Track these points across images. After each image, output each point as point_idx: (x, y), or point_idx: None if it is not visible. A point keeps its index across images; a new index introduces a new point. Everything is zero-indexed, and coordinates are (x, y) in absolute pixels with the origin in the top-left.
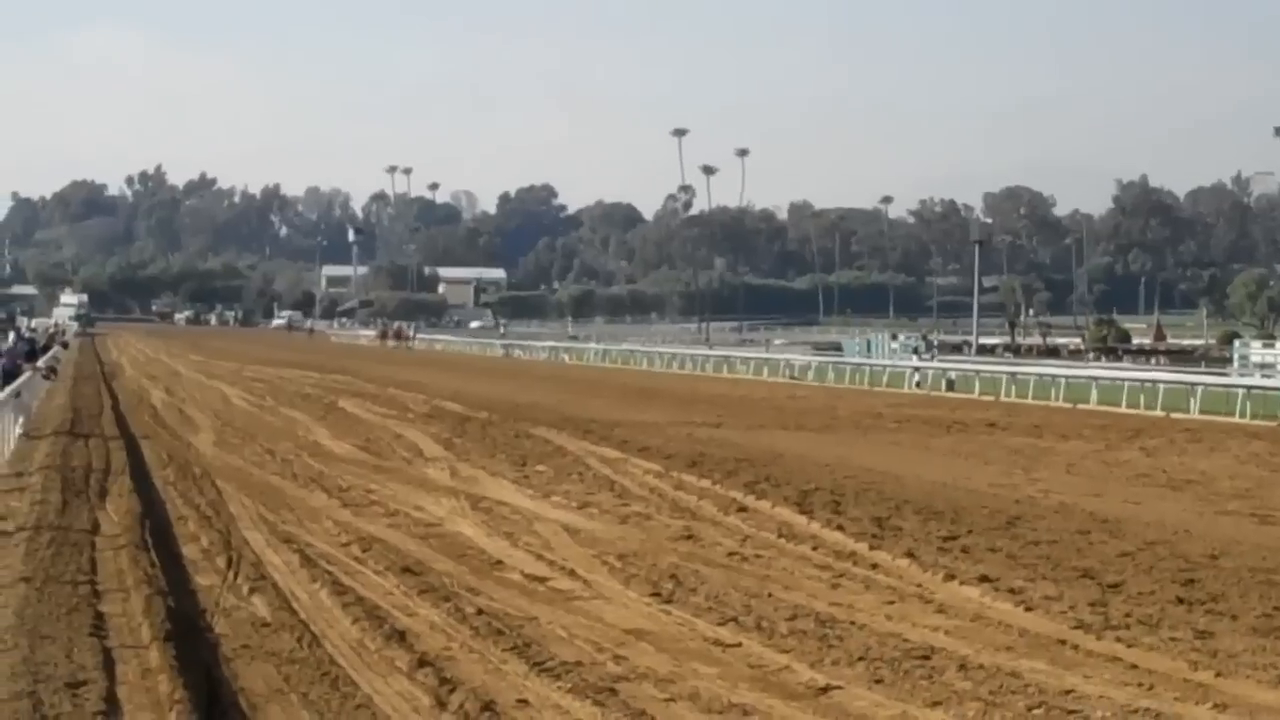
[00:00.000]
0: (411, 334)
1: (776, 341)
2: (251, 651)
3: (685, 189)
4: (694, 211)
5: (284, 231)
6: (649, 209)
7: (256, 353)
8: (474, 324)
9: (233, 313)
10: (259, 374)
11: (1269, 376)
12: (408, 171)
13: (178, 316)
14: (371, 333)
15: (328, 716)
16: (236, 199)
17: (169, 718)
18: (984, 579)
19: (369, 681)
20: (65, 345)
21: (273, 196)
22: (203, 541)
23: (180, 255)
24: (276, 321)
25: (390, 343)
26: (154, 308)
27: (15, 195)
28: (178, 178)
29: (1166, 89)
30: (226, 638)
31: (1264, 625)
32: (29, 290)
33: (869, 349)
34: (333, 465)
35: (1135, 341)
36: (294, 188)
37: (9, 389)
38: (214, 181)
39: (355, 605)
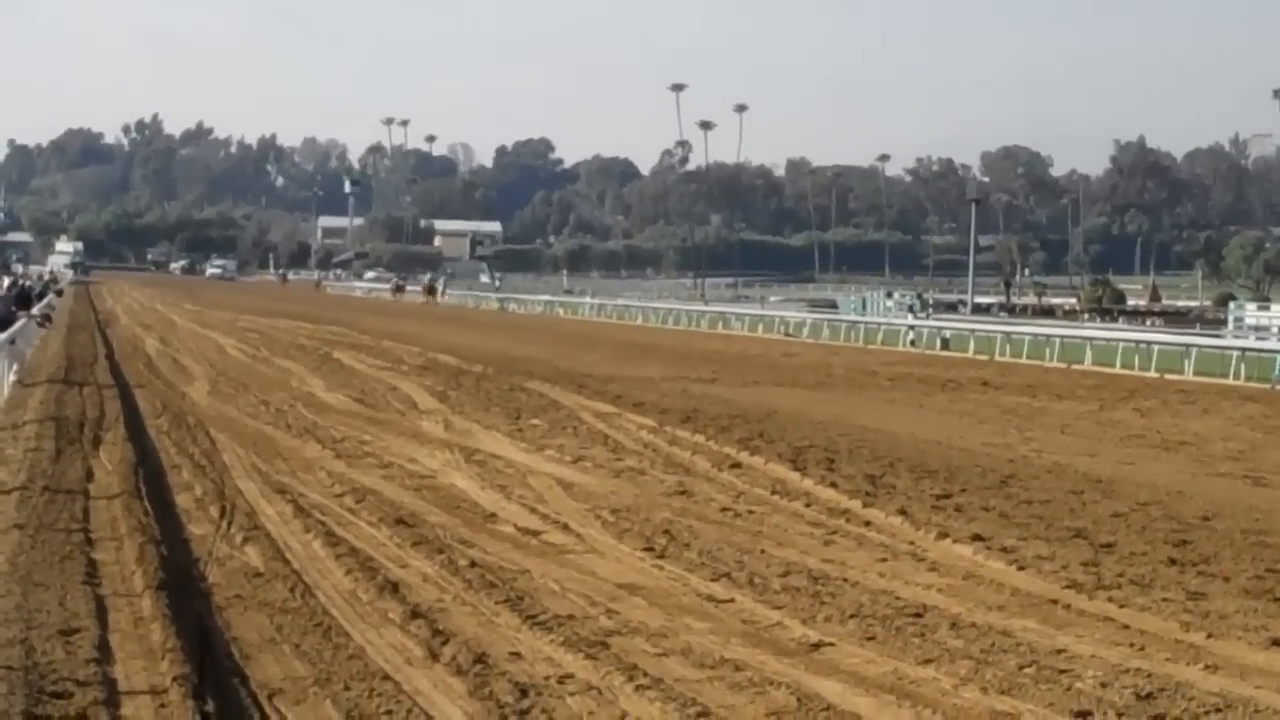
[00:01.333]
0: (442, 288)
1: (772, 298)
2: (244, 601)
3: (682, 144)
4: (691, 167)
5: (280, 182)
6: (646, 164)
7: (251, 303)
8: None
9: (227, 263)
10: (254, 324)
11: (1263, 339)
12: (405, 123)
13: (173, 266)
14: (365, 284)
15: (320, 667)
16: (233, 149)
17: (161, 666)
18: (977, 538)
19: (362, 633)
20: (60, 293)
21: (269, 147)
22: (196, 491)
23: (176, 204)
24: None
25: (422, 298)
26: (149, 257)
27: (11, 143)
28: (174, 126)
29: (1165, 50)
30: (219, 587)
31: (1256, 587)
32: (24, 238)
33: (864, 307)
34: (327, 416)
35: (1130, 302)
36: (291, 138)
37: (3, 336)
38: (210, 131)
39: (348, 556)
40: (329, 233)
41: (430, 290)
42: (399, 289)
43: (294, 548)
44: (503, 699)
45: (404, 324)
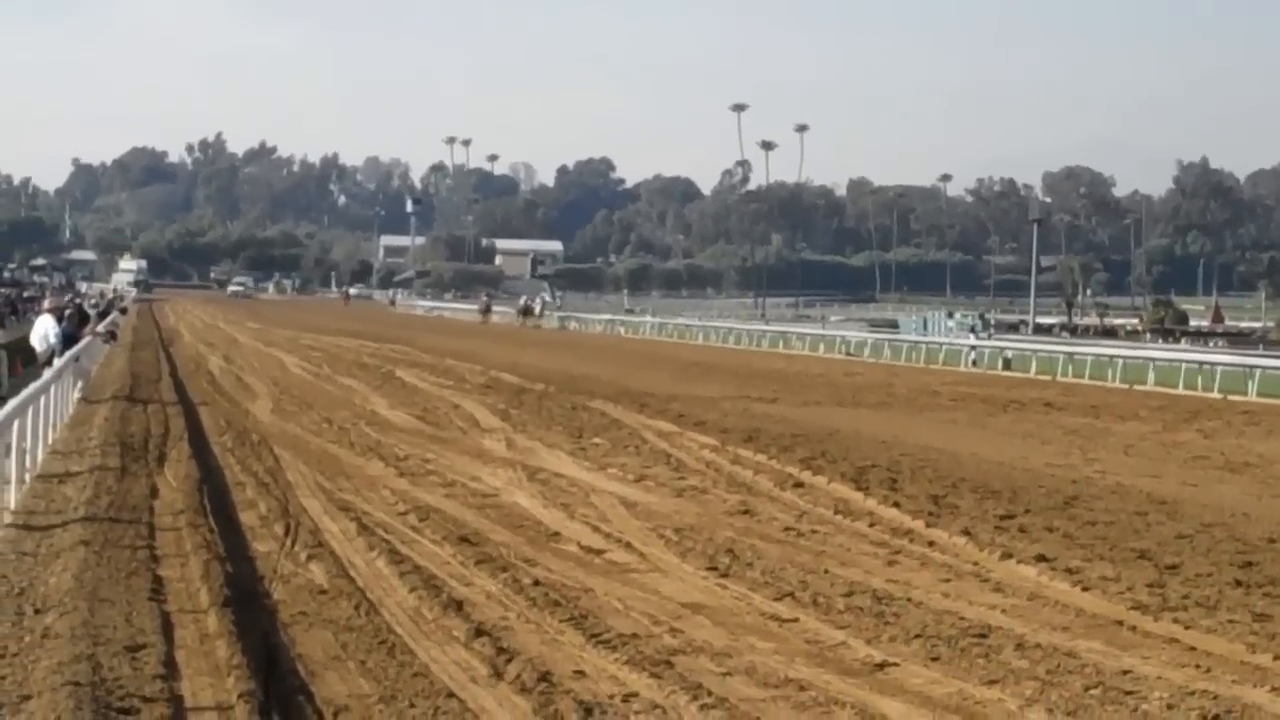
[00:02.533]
0: (540, 308)
1: (833, 318)
2: (309, 618)
3: (743, 164)
4: (751, 187)
5: (342, 201)
6: (707, 184)
7: (314, 321)
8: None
9: (290, 281)
10: (316, 342)
11: None
12: (466, 143)
13: (231, 288)
14: (434, 304)
15: (385, 684)
16: (295, 167)
17: (227, 683)
18: (1041, 558)
19: (426, 650)
20: (124, 311)
21: (331, 166)
22: (260, 508)
23: (239, 223)
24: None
25: (517, 320)
26: (211, 275)
27: (76, 161)
28: (237, 145)
29: (1228, 70)
30: (284, 604)
31: None
32: (89, 256)
33: (925, 327)
34: (390, 434)
35: (1193, 323)
36: (353, 157)
37: (69, 353)
38: (274, 150)
39: (412, 574)
40: (391, 251)
41: (527, 311)
42: (487, 310)
43: (358, 565)
44: (567, 717)
45: (465, 343)
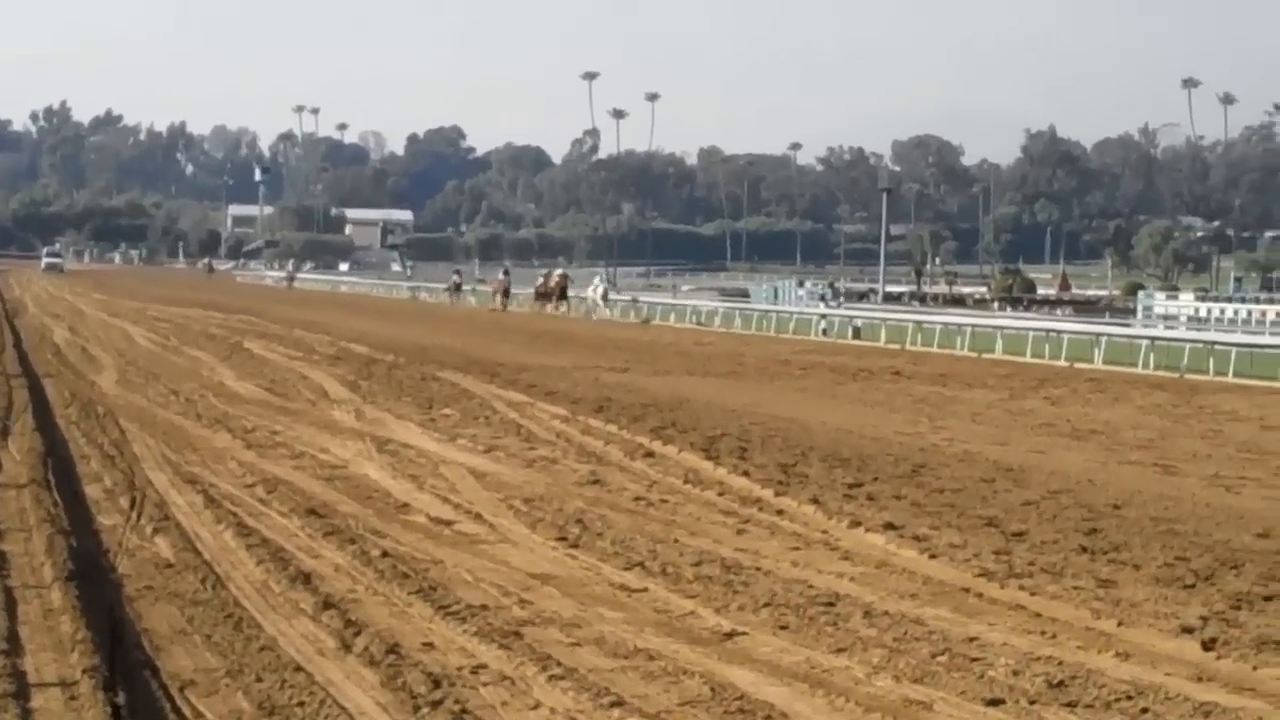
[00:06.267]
0: (599, 293)
1: (684, 287)
2: (155, 593)
3: (593, 132)
4: (602, 155)
5: (190, 170)
6: (557, 152)
7: (161, 292)
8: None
9: (136, 252)
10: (164, 313)
11: (1172, 328)
12: (315, 111)
13: (45, 260)
14: (276, 273)
15: (231, 658)
16: (142, 136)
17: (71, 658)
18: (889, 526)
19: (273, 623)
20: None
21: (179, 134)
22: (106, 481)
23: (85, 193)
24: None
25: (543, 306)
26: (55, 246)
27: None
28: (83, 114)
29: (1076, 39)
30: (130, 578)
31: (1166, 575)
32: None
33: (776, 296)
34: (237, 406)
35: (1040, 291)
36: (201, 126)
37: None
38: (120, 118)
39: (260, 547)
40: (239, 221)
41: (561, 294)
42: (457, 288)
43: (205, 539)
44: (415, 689)
45: (315, 313)
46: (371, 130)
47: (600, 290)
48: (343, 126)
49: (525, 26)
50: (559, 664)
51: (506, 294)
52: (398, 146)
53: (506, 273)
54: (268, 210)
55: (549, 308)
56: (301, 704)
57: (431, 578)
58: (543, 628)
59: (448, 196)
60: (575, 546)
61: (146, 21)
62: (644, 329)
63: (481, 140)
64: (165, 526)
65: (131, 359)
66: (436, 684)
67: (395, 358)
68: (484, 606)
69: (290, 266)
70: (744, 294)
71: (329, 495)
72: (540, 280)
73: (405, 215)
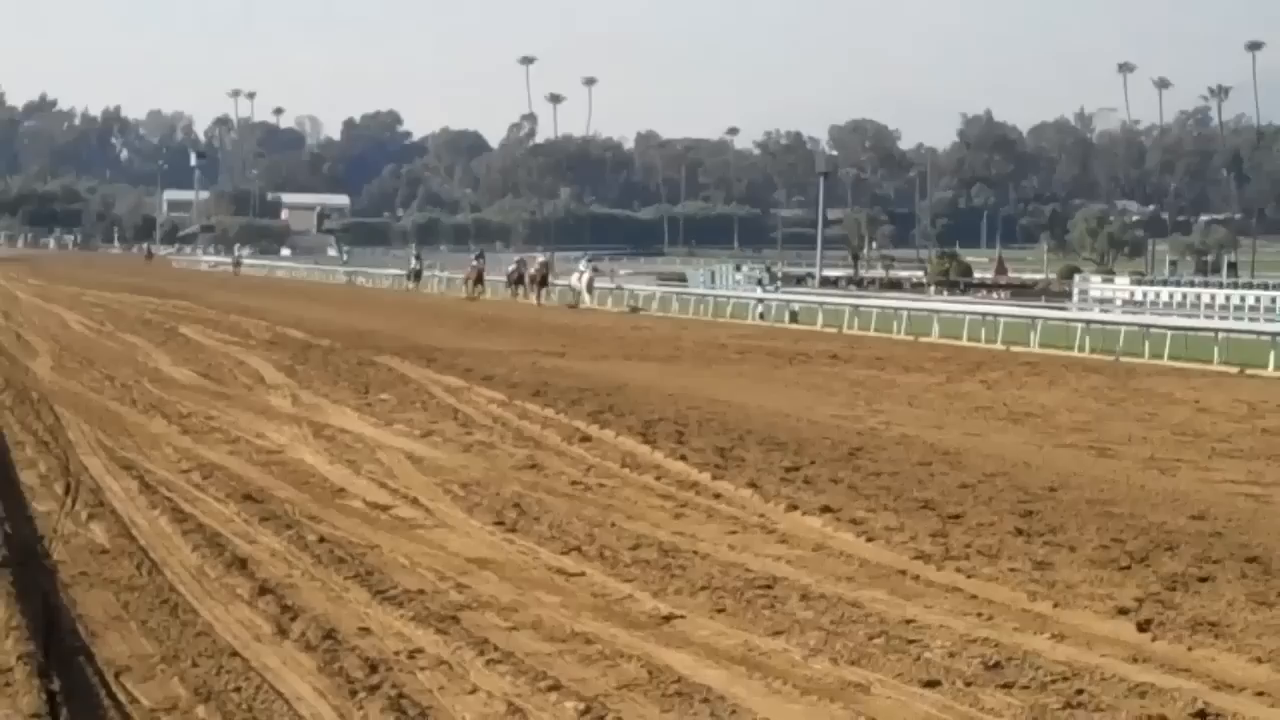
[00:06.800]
0: (584, 280)
1: (621, 271)
2: (90, 579)
3: (530, 117)
4: (539, 140)
5: (125, 155)
6: (495, 137)
7: (97, 277)
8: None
9: (71, 237)
10: (99, 299)
11: (1108, 311)
12: (251, 96)
13: None
14: (212, 258)
15: (167, 644)
16: (77, 121)
17: (5, 645)
18: (826, 509)
19: (209, 609)
20: None
21: (113, 119)
22: (40, 468)
23: (18, 178)
24: None
25: (524, 297)
26: None
27: None
28: (16, 99)
29: (1012, 23)
30: (64, 564)
31: (1101, 556)
32: None
33: (713, 280)
34: (173, 391)
35: (977, 275)
36: (135, 110)
37: None
38: (54, 103)
39: (195, 532)
40: (174, 205)
41: (480, 279)
42: (418, 274)
43: (140, 524)
44: (352, 674)
45: (251, 298)
46: (308, 115)
47: (586, 277)
48: (279, 111)
49: (461, 11)
50: (496, 648)
51: (480, 280)
52: (334, 131)
53: (480, 257)
54: (203, 195)
55: (531, 297)
56: (238, 689)
57: (368, 562)
58: (480, 612)
59: (384, 181)
60: (512, 531)
61: (81, 6)
62: (579, 314)
63: (418, 125)
64: (100, 512)
65: (66, 345)
66: (373, 669)
67: (332, 343)
68: (421, 591)
69: (236, 251)
70: (681, 278)
71: (265, 480)
72: (513, 266)
73: (342, 200)
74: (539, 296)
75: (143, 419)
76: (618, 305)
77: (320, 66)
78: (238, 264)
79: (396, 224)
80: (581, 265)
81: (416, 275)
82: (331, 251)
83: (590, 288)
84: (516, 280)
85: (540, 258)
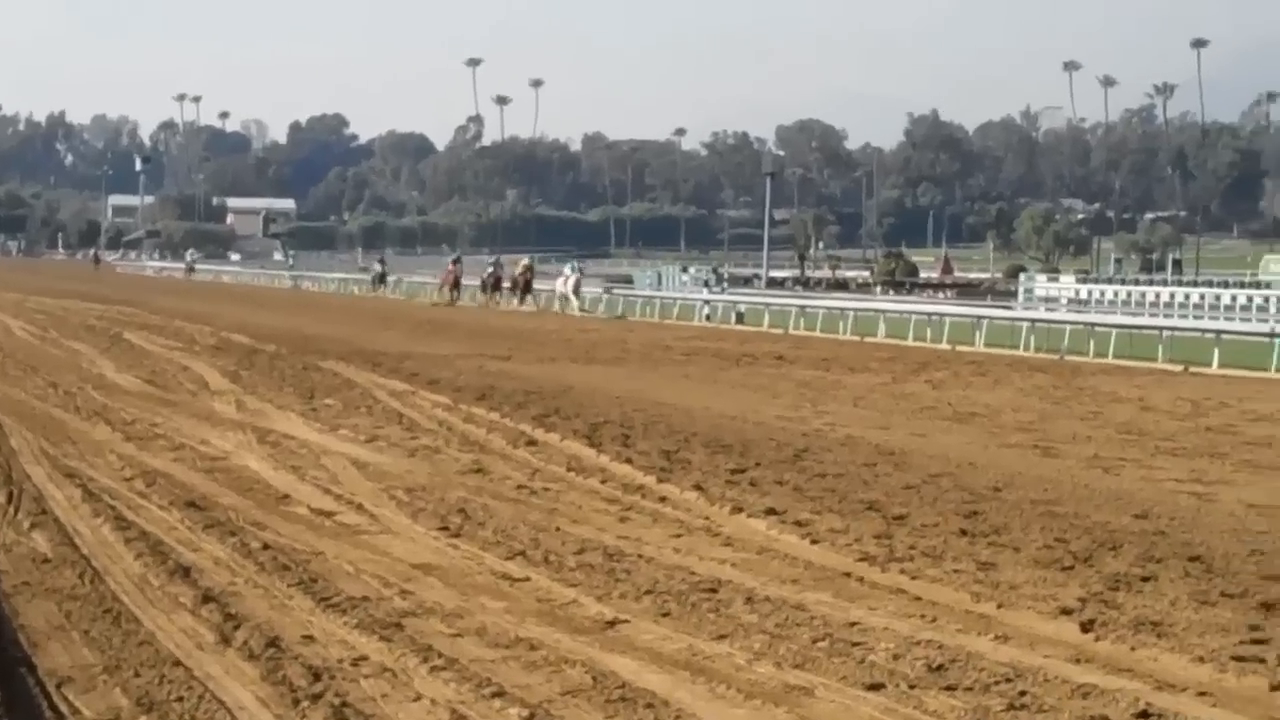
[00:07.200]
0: (569, 283)
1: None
2: (32, 588)
3: (475, 119)
4: (486, 142)
5: (69, 160)
6: (441, 139)
7: (41, 283)
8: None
9: (15, 243)
10: (42, 305)
11: (1053, 310)
12: (197, 100)
13: None
14: (157, 263)
15: (110, 653)
16: (21, 126)
17: None
18: (771, 512)
19: (152, 618)
20: None
21: (58, 124)
22: None
23: None
24: None
25: (502, 303)
26: None
27: None
28: None
29: (958, 22)
30: (6, 574)
31: (1045, 557)
32: None
33: (660, 281)
34: (117, 398)
35: (923, 275)
36: (80, 115)
37: None
38: None
39: (139, 540)
40: (119, 211)
41: (457, 284)
42: (381, 278)
43: (83, 533)
44: (296, 683)
45: (196, 304)
46: (254, 118)
47: (572, 282)
48: (224, 115)
49: (407, 13)
50: (440, 655)
51: (457, 285)
52: (280, 135)
53: (458, 260)
54: (148, 200)
55: (514, 302)
56: (180, 699)
57: (312, 570)
58: (424, 618)
59: (330, 185)
60: (457, 536)
61: (25, 9)
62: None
63: (364, 128)
64: (43, 521)
65: (9, 351)
66: (317, 677)
67: (277, 348)
68: (365, 598)
69: (189, 256)
70: (628, 280)
71: (209, 487)
72: (488, 270)
73: (288, 204)
74: (522, 302)
75: (86, 426)
76: (610, 311)
77: (266, 70)
78: (191, 268)
79: (343, 227)
80: (567, 269)
81: (381, 279)
82: (278, 255)
83: (577, 292)
84: (493, 285)
85: (524, 260)
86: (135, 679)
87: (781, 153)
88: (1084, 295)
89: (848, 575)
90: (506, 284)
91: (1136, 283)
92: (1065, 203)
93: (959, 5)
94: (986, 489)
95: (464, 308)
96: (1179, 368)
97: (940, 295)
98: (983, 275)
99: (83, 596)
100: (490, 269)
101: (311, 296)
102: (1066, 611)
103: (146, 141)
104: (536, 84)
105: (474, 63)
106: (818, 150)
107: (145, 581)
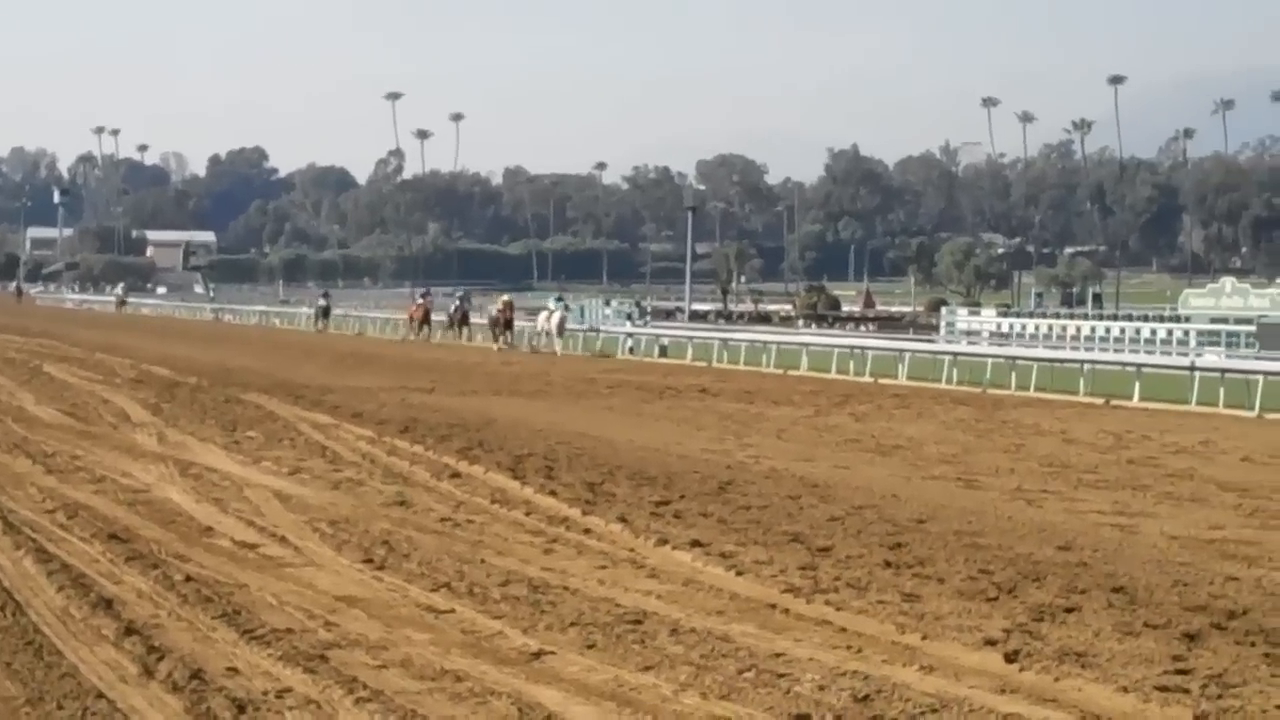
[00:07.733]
0: (553, 321)
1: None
2: None
3: (396, 153)
4: (407, 175)
5: None
6: (362, 173)
7: None
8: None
9: None
10: None
11: (974, 343)
12: (115, 133)
13: None
14: (77, 296)
15: (32, 686)
16: None
17: None
18: (696, 544)
19: (74, 650)
20: None
21: None
22: None
23: None
24: None
25: (458, 334)
26: None
27: None
28: None
29: (878, 60)
30: None
31: (969, 588)
32: None
33: (582, 315)
34: (37, 431)
35: (845, 308)
36: None
37: None
38: None
39: (60, 573)
40: (38, 244)
41: (427, 319)
42: (325, 312)
43: (3, 565)
44: (220, 715)
45: (117, 336)
46: (173, 151)
47: (555, 319)
48: (143, 148)
49: (327, 47)
50: (365, 686)
51: (427, 320)
52: (199, 168)
53: (427, 294)
54: (67, 232)
55: (497, 343)
56: None
57: (236, 602)
58: (349, 650)
59: (251, 218)
60: (381, 568)
61: None
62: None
63: (284, 161)
64: None
65: None
66: (241, 709)
67: (198, 380)
68: (289, 630)
69: (120, 289)
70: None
71: (131, 520)
72: (455, 304)
73: (208, 237)
74: (504, 340)
75: (6, 458)
76: (589, 349)
77: (185, 102)
78: (123, 301)
79: (264, 260)
80: (550, 304)
81: (325, 313)
82: (198, 288)
83: (561, 331)
84: (461, 320)
85: (505, 297)
86: (58, 711)
87: (703, 187)
88: (1005, 329)
89: (773, 607)
90: (440, 318)
91: (1057, 316)
92: (985, 237)
93: (878, 42)
94: (910, 521)
95: (388, 340)
96: (1100, 401)
97: (863, 329)
98: (904, 309)
99: (4, 629)
100: (456, 304)
101: (233, 329)
102: (991, 642)
103: (65, 174)
104: (457, 118)
105: (394, 96)
106: (739, 185)
107: (68, 614)
